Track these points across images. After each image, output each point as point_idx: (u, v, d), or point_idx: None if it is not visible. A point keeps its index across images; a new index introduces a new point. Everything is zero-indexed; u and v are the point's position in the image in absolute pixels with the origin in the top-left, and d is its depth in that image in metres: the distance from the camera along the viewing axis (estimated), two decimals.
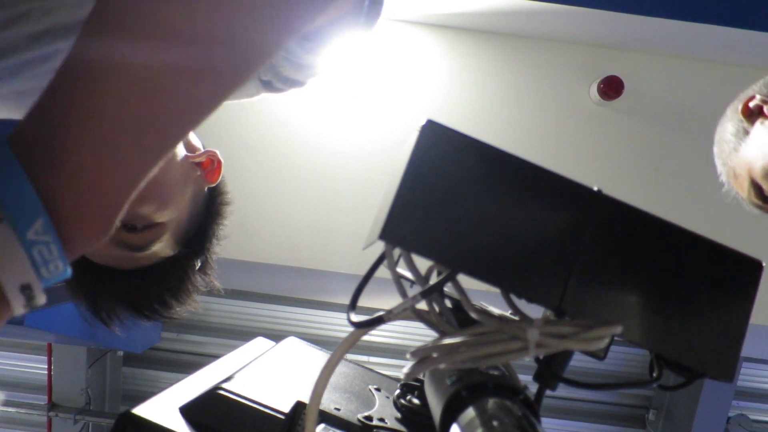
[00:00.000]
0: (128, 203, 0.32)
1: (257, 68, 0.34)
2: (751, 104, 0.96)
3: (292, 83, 0.58)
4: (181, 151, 0.72)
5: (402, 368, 0.37)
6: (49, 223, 0.28)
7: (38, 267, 0.28)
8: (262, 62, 0.33)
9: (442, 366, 0.35)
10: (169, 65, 0.30)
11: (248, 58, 0.33)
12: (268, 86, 0.61)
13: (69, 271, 0.30)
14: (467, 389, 0.36)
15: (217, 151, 0.76)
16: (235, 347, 0.60)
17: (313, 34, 0.50)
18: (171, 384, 0.47)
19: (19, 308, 0.29)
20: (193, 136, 0.77)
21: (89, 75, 0.30)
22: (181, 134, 0.33)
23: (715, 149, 1.12)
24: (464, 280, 0.35)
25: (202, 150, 0.75)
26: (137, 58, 0.30)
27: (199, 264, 0.76)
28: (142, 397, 0.42)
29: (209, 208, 0.77)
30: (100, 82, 0.30)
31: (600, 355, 0.40)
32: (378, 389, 0.54)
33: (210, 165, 0.75)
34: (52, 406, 3.54)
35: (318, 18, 0.34)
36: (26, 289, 0.28)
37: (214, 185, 0.77)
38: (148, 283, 0.71)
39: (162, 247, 0.71)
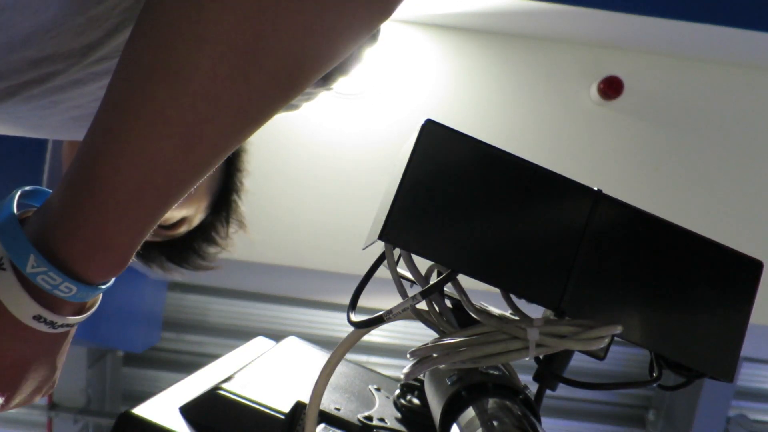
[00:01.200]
0: (136, 246, 0.36)
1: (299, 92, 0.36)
2: None
3: (288, 107, 0.59)
4: None
5: (402, 368, 0.37)
6: (40, 257, 0.33)
7: (51, 291, 0.34)
8: (304, 87, 0.36)
9: (442, 366, 0.35)
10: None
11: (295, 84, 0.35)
12: None
13: (94, 289, 0.36)
14: (467, 389, 0.36)
15: None
16: (235, 347, 0.60)
17: None
18: (171, 384, 0.47)
19: (44, 329, 0.36)
20: None
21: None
22: (190, 185, 0.36)
23: None
24: (464, 280, 0.35)
25: None
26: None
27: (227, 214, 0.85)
28: (142, 397, 0.42)
29: (227, 172, 0.84)
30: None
31: (600, 355, 0.40)
32: (378, 389, 0.54)
33: None
34: (52, 406, 3.54)
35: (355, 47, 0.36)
36: (40, 318, 0.35)
37: None
38: (185, 240, 0.83)
39: (192, 224, 0.81)
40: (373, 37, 0.51)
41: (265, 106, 0.35)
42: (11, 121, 0.54)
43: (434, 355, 0.35)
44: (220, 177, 0.83)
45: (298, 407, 0.45)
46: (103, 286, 0.37)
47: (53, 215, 0.35)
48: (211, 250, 0.86)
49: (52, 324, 0.36)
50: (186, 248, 0.84)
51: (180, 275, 0.87)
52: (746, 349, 0.35)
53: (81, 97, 0.51)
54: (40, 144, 0.73)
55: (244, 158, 0.86)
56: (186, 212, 0.78)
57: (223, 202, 0.84)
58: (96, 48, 0.46)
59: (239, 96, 0.33)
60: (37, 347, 0.37)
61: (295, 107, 0.58)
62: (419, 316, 0.37)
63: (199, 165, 0.35)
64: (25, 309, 0.34)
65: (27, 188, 0.41)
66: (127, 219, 0.35)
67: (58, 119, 0.54)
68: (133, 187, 0.33)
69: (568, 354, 0.39)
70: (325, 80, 0.54)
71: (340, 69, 0.54)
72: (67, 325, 0.37)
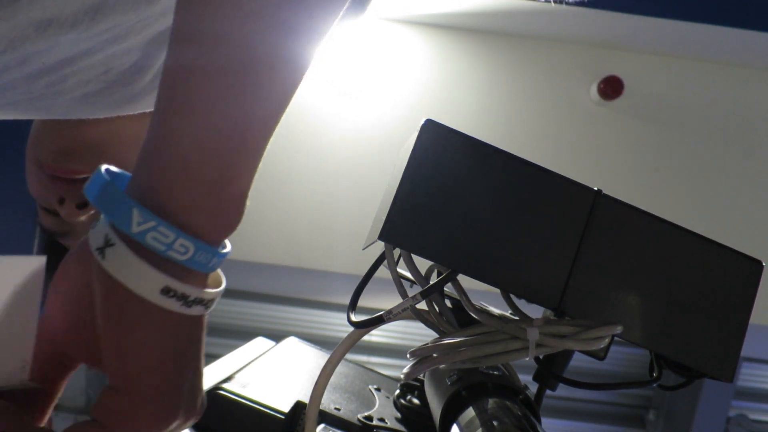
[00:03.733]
0: (249, 189, 0.32)
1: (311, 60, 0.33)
2: None
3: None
4: None
5: (402, 368, 0.37)
6: (144, 209, 0.28)
7: (166, 252, 0.29)
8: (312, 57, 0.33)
9: (442, 366, 0.35)
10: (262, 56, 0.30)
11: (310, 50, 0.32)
12: None
13: (214, 250, 0.31)
14: (467, 389, 0.36)
15: None
16: (235, 347, 0.60)
17: None
18: None
19: (177, 308, 0.30)
20: None
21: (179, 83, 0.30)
22: (272, 127, 0.32)
23: None
24: (464, 280, 0.35)
25: None
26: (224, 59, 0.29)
27: None
28: None
29: None
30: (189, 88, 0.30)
31: (600, 355, 0.40)
32: (378, 389, 0.54)
33: None
34: None
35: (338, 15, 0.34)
36: (169, 292, 0.29)
37: None
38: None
39: None
40: (351, 16, 0.50)
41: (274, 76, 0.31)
42: (25, 102, 0.54)
43: (434, 355, 0.35)
44: None
45: (298, 407, 0.45)
46: (222, 251, 0.32)
47: (149, 160, 0.30)
48: None
49: (185, 299, 0.30)
50: None
51: None
52: (746, 349, 0.35)
53: (90, 69, 0.51)
54: None
55: None
56: None
57: None
58: (101, 11, 0.44)
59: None
60: (177, 335, 0.31)
61: None
62: (419, 316, 0.37)
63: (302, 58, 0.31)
64: (149, 282, 0.29)
65: (112, 168, 0.34)
66: (247, 134, 0.30)
67: (70, 97, 0.54)
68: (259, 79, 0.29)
69: (568, 354, 0.39)
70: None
71: None
72: (201, 301, 0.31)
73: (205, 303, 0.31)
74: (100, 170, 0.31)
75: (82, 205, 0.70)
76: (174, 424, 0.31)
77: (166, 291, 0.29)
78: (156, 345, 0.30)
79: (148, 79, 0.56)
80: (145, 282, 0.29)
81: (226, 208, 0.31)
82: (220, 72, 0.29)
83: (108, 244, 0.29)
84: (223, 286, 0.33)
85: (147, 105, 0.61)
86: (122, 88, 0.56)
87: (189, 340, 0.32)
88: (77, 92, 0.53)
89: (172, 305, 0.29)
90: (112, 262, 0.29)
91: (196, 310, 0.31)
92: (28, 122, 0.75)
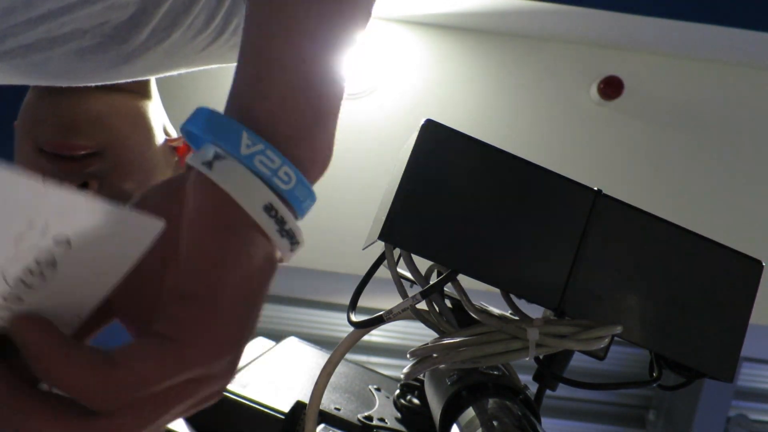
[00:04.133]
0: (335, 134, 0.33)
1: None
2: None
3: None
4: (160, 135, 0.78)
5: (402, 368, 0.37)
6: (253, 134, 0.29)
7: (271, 178, 0.29)
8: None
9: (442, 366, 0.35)
10: None
11: None
12: None
13: (309, 187, 0.31)
14: (467, 389, 0.36)
15: None
16: None
17: None
18: None
19: (272, 231, 0.29)
20: (169, 126, 0.82)
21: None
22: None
23: None
24: (464, 280, 0.35)
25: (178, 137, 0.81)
26: None
27: None
28: None
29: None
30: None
31: (600, 355, 0.40)
32: (378, 389, 0.54)
33: (187, 151, 0.78)
34: None
35: None
36: (270, 210, 0.29)
37: None
38: None
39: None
40: None
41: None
42: (21, 55, 0.53)
43: (434, 355, 0.35)
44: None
45: (298, 407, 0.45)
46: (314, 196, 0.32)
47: (252, 88, 0.30)
48: None
49: (282, 224, 0.29)
50: None
51: None
52: (746, 349, 0.35)
53: (88, 19, 0.51)
54: None
55: None
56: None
57: None
58: None
59: None
60: (262, 264, 0.29)
61: None
62: (419, 316, 0.37)
63: None
64: (255, 194, 0.28)
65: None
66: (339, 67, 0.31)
67: (65, 50, 0.54)
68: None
69: (568, 354, 0.39)
70: None
71: None
72: (292, 236, 0.30)
73: (293, 240, 0.30)
74: (199, 108, 0.31)
75: (83, 186, 0.70)
76: (234, 354, 0.29)
77: (268, 209, 0.29)
78: (244, 262, 0.29)
79: (143, 37, 0.56)
80: (251, 194, 0.28)
81: (322, 146, 0.32)
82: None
83: (217, 157, 0.28)
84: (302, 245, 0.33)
85: (140, 68, 0.60)
86: (117, 46, 0.56)
87: (266, 279, 0.30)
88: (73, 44, 0.53)
89: (270, 226, 0.29)
90: (219, 172, 0.28)
91: (283, 244, 0.30)
92: (15, 114, 0.76)
